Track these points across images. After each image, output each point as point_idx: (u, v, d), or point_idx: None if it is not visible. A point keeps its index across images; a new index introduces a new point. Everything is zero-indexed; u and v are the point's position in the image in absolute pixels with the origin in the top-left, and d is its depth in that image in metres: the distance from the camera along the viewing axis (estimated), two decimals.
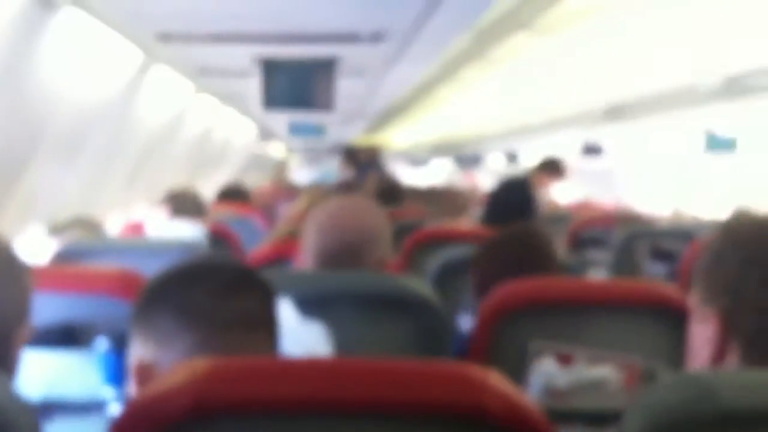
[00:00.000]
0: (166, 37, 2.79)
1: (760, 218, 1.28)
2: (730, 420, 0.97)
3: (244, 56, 3.25)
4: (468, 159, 14.69)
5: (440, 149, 15.20)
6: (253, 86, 3.53)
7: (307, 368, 1.09)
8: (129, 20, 2.70)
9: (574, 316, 1.96)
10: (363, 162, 14.37)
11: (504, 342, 1.92)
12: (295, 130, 5.11)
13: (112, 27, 2.76)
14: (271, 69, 3.35)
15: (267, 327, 1.31)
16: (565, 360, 1.90)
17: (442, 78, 9.06)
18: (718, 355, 1.19)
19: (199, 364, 1.03)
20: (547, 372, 1.88)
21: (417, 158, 19.72)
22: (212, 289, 1.28)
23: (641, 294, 2.00)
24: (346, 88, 4.00)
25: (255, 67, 3.33)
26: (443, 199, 5.74)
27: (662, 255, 4.02)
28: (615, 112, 5.95)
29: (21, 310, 1.41)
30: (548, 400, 1.86)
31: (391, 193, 6.77)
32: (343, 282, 1.97)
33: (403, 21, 2.64)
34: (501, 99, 9.70)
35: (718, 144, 5.55)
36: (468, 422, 1.00)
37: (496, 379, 1.04)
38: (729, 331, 1.18)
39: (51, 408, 1.86)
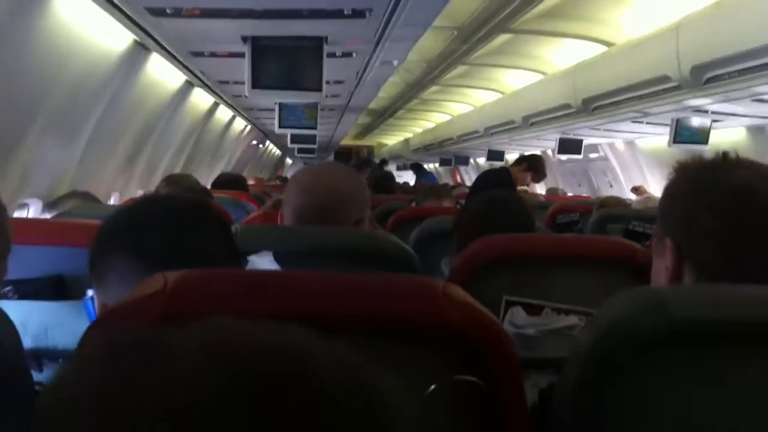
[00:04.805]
0: (157, 12, 2.77)
1: (712, 156, 1.27)
2: (681, 331, 0.96)
3: (234, 34, 3.22)
4: (454, 160, 14.71)
5: (427, 151, 15.20)
6: (243, 69, 3.50)
7: (276, 280, 1.07)
8: None
9: (545, 269, 1.95)
10: (356, 162, 14.38)
11: (476, 294, 1.90)
12: (285, 116, 5.07)
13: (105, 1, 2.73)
14: (259, 48, 3.31)
15: (225, 261, 1.25)
16: (534, 312, 1.89)
17: (426, 80, 9.09)
18: (673, 281, 1.19)
19: (171, 274, 1.01)
20: (517, 322, 1.86)
21: (405, 162, 19.77)
22: (166, 230, 1.22)
23: (607, 248, 2.00)
24: (333, 72, 3.98)
25: (244, 46, 3.31)
26: (428, 188, 5.80)
27: (634, 236, 4.01)
28: (588, 104, 5.92)
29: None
30: (519, 348, 1.85)
31: (385, 182, 6.91)
32: (322, 237, 1.95)
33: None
34: (483, 98, 9.73)
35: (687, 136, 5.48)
36: (430, 330, 0.99)
37: (455, 290, 1.04)
38: (683, 259, 1.18)
39: (41, 356, 1.84)
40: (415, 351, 0.99)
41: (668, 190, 1.27)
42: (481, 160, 13.50)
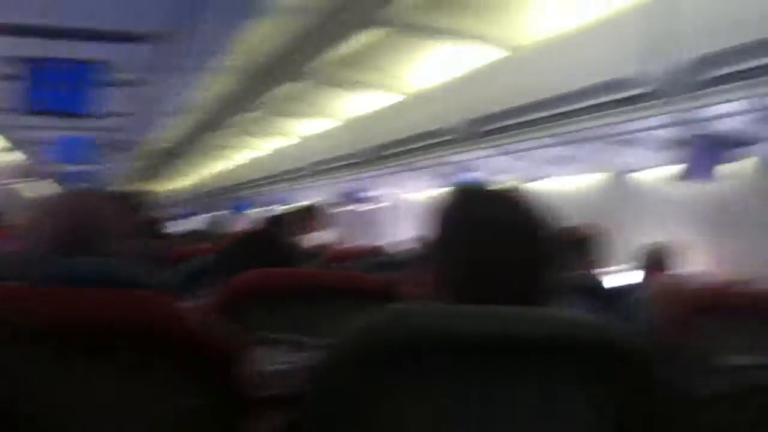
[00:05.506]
0: None
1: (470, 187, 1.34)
2: (422, 341, 1.02)
3: (9, 54, 3.00)
4: (239, 207, 14.62)
5: (215, 196, 15.01)
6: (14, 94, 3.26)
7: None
8: None
9: (301, 304, 1.96)
10: (130, 205, 13.84)
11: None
12: (61, 150, 4.81)
13: None
14: (37, 70, 3.09)
15: None
16: (290, 348, 1.90)
17: (217, 123, 9.03)
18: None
19: None
20: (269, 358, 1.87)
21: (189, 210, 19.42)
22: None
23: (362, 281, 2.06)
24: (116, 103, 3.85)
25: (18, 68, 3.07)
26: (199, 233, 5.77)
27: None
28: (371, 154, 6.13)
29: None
30: (271, 385, 1.84)
31: (154, 225, 6.69)
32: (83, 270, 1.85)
33: (171, 24, 2.58)
34: (275, 144, 9.79)
35: None
36: (143, 336, 1.07)
37: (163, 300, 1.13)
38: (440, 282, 1.23)
39: None
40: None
41: (435, 217, 1.33)
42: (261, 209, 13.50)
